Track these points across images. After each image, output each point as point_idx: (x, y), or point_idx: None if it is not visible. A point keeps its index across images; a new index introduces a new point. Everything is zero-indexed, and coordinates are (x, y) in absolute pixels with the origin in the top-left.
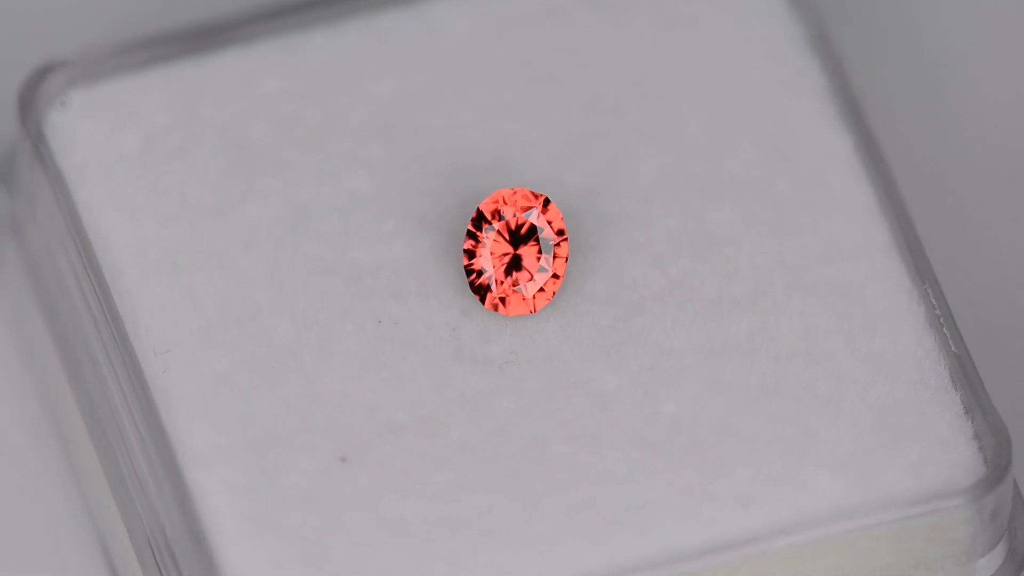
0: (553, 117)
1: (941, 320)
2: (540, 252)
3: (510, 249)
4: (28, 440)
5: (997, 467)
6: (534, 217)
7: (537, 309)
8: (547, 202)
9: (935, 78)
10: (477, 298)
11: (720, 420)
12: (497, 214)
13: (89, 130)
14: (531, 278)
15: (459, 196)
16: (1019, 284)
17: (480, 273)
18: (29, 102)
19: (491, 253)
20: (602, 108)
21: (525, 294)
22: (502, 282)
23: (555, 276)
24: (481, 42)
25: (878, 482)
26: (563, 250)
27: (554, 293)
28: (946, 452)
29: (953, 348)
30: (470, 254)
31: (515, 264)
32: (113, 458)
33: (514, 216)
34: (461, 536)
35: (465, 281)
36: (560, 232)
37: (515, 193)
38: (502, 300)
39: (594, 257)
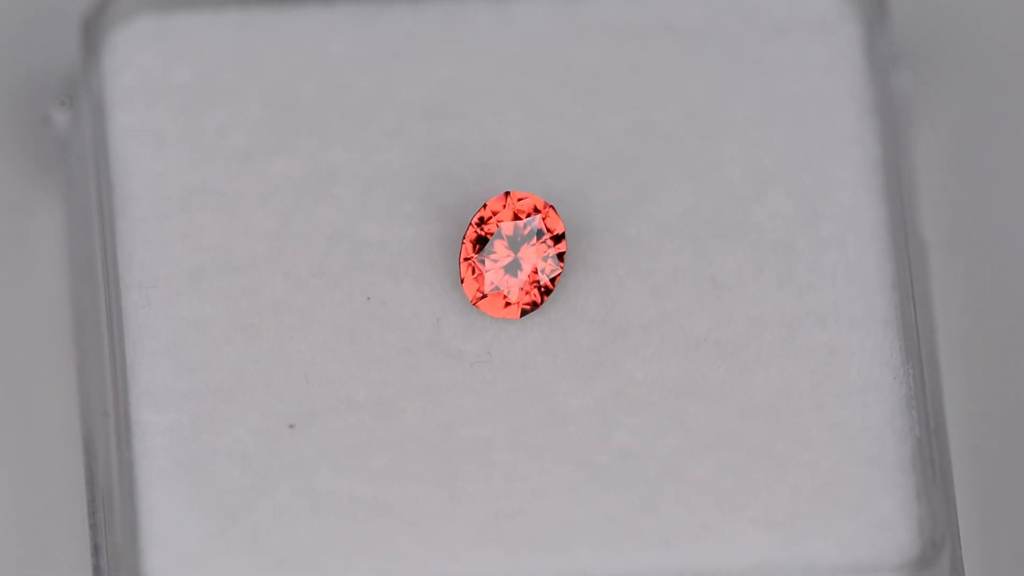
0: (597, 131)
1: (914, 401)
2: (538, 259)
3: (510, 252)
4: (43, 364)
5: (930, 551)
6: (537, 223)
7: (522, 315)
8: (554, 211)
9: (995, 161)
10: (467, 294)
11: (667, 458)
12: (503, 215)
13: (145, 57)
14: (521, 284)
15: (483, 191)
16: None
17: (475, 270)
18: (94, 23)
19: (490, 252)
20: (649, 132)
21: (514, 298)
22: (495, 283)
23: (548, 286)
24: (553, 46)
25: (804, 548)
26: (560, 261)
27: (543, 302)
28: (882, 530)
29: (918, 432)
30: (469, 249)
31: (510, 267)
32: (89, 384)
33: (518, 220)
34: (382, 521)
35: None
36: (561, 243)
37: (524, 197)
38: (488, 300)
39: (595, 276)
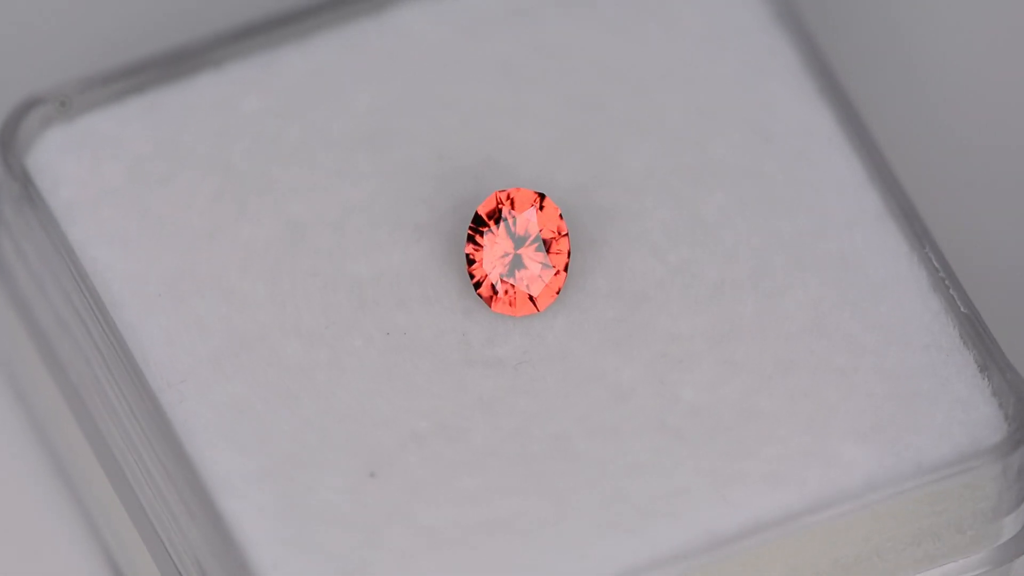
0: (535, 115)
1: (946, 282)
2: (541, 250)
3: (511, 249)
4: (34, 486)
5: (1020, 422)
6: (532, 215)
7: (543, 308)
8: (544, 199)
9: (906, 41)
10: (483, 301)
11: (739, 401)
12: (495, 215)
13: (73, 165)
14: (534, 277)
15: (450, 200)
16: (1012, 237)
17: (484, 276)
18: (10, 142)
19: (493, 255)
20: (582, 103)
21: (531, 293)
22: (506, 283)
23: (558, 273)
24: (452, 45)
25: (904, 448)
26: (564, 246)
27: (559, 290)
28: (967, 412)
29: (962, 308)
30: (471, 259)
31: (517, 264)
32: (133, 494)
33: (512, 216)
34: (498, 538)
35: (467, 284)
36: (559, 228)
37: (512, 193)
38: (508, 301)
39: (592, 252)
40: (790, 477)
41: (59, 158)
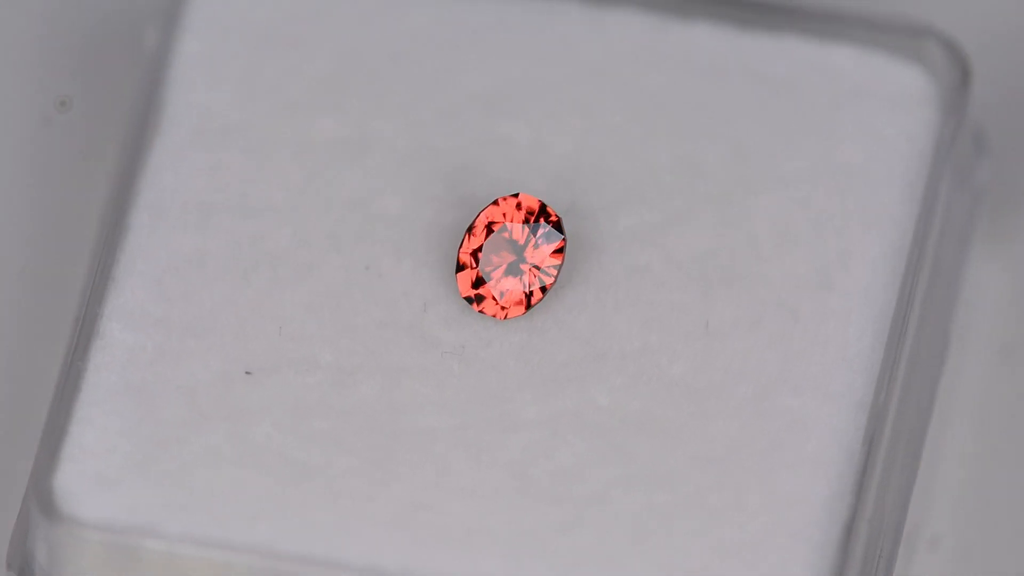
0: (645, 156)
1: (857, 488)
2: (536, 267)
3: (507, 253)
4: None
5: None
6: (542, 232)
7: (508, 317)
8: (549, 214)
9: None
10: (459, 287)
11: (599, 487)
12: (512, 216)
13: None
14: (514, 284)
15: (513, 189)
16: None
17: (473, 265)
18: None
19: (491, 251)
20: (693, 167)
21: (505, 300)
22: (489, 280)
23: (542, 289)
24: (632, 63)
25: None
26: (555, 266)
27: (529, 307)
28: None
29: (846, 518)
30: (471, 243)
31: (510, 269)
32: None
33: (511, 222)
34: (303, 486)
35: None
36: (559, 255)
37: (534, 202)
38: (478, 297)
39: (593, 294)
40: (585, 571)
41: None
